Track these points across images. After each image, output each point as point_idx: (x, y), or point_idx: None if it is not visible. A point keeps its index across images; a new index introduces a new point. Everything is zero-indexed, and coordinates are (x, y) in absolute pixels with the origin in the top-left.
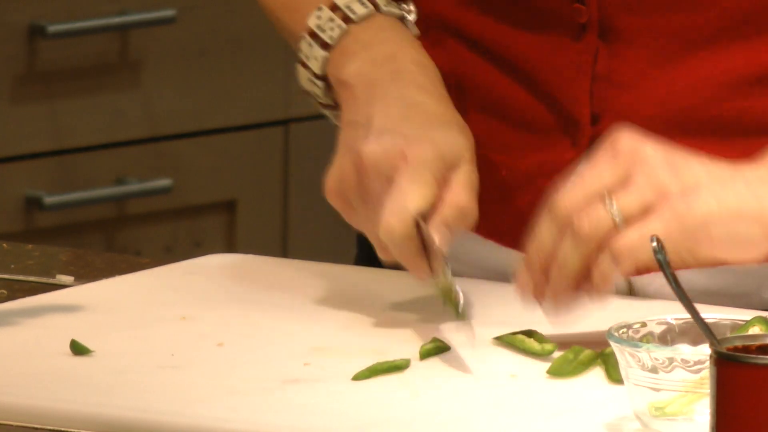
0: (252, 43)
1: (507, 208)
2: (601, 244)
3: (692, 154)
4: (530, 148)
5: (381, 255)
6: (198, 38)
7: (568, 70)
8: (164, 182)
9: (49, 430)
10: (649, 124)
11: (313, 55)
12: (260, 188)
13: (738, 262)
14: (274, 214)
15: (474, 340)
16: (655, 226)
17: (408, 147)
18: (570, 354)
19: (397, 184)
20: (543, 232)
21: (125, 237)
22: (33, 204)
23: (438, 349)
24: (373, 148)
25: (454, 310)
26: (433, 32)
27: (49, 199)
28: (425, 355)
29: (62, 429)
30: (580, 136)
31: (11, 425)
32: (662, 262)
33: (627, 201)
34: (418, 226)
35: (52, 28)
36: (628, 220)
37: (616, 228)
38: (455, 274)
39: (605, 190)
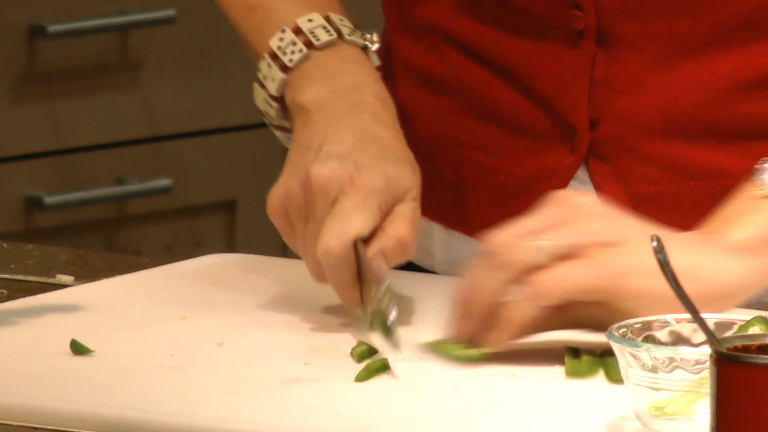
0: None
1: (504, 213)
2: (520, 278)
3: (632, 216)
4: (528, 153)
5: (315, 278)
6: (198, 38)
7: (565, 76)
8: (164, 182)
9: (49, 430)
10: (647, 129)
11: (271, 76)
12: (260, 188)
13: None
14: None
15: (398, 354)
16: (574, 269)
17: (358, 173)
18: (569, 354)
19: (341, 207)
20: (470, 270)
21: (125, 237)
22: (33, 204)
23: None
24: (323, 169)
25: (382, 327)
26: (429, 37)
27: (49, 199)
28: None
29: (62, 429)
30: (578, 142)
31: (11, 425)
32: (662, 262)
33: (552, 241)
34: (356, 251)
35: (52, 28)
36: (551, 259)
37: (537, 264)
38: (452, 274)
39: (532, 232)
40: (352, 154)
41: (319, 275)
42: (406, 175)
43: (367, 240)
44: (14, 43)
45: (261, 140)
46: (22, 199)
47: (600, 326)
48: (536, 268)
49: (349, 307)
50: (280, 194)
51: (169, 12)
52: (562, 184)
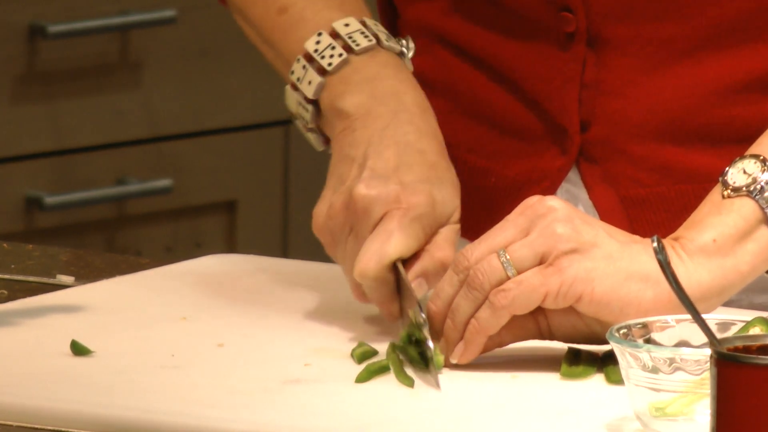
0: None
1: (496, 215)
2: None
3: (598, 221)
4: (519, 155)
5: (355, 296)
6: (198, 38)
7: (556, 78)
8: (164, 182)
9: (49, 430)
10: (638, 132)
11: (307, 79)
12: (260, 188)
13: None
14: (274, 214)
15: (438, 389)
16: (539, 277)
17: (404, 193)
18: (570, 355)
19: (385, 227)
20: (445, 284)
21: (125, 237)
22: (33, 204)
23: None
24: (367, 191)
25: (418, 358)
26: (422, 39)
27: (49, 199)
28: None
29: (62, 429)
30: (569, 144)
31: (11, 425)
32: (663, 262)
33: (519, 253)
34: (396, 269)
35: (52, 28)
36: (520, 272)
37: (508, 279)
38: None
39: (504, 244)
40: (397, 173)
41: (358, 294)
42: (450, 197)
43: (408, 259)
44: (14, 43)
45: (261, 140)
46: (22, 199)
47: (574, 336)
48: (506, 280)
49: (389, 321)
50: (323, 212)
51: (170, 12)
52: (554, 186)
